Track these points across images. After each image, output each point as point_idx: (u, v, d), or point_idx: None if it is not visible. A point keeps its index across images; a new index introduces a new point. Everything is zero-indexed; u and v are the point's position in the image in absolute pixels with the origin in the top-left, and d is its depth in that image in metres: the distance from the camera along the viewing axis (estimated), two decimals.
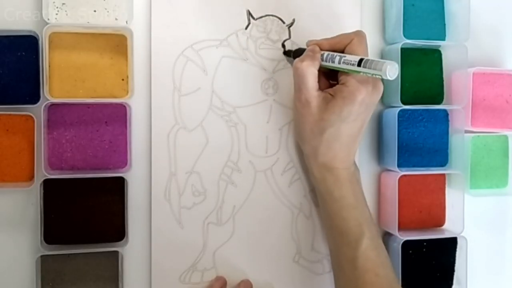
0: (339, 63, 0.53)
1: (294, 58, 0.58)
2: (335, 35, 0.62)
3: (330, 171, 0.55)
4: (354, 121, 0.54)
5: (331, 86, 0.56)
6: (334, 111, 0.53)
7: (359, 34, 0.55)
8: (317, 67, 0.54)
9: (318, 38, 0.57)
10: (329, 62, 0.54)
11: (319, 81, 0.55)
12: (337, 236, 0.56)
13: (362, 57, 0.52)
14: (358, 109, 0.53)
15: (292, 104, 0.58)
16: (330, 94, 0.54)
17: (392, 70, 0.49)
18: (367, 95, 0.53)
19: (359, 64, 0.51)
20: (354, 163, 0.58)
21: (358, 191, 0.57)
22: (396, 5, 0.62)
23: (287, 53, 0.61)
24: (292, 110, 0.60)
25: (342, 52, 0.54)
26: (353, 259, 0.54)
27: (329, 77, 0.57)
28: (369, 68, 0.50)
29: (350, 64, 0.52)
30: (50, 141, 0.57)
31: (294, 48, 0.61)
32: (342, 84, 0.54)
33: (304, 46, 0.58)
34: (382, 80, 0.52)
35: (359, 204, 0.56)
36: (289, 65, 0.62)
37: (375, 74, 0.50)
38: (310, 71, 0.54)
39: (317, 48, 0.56)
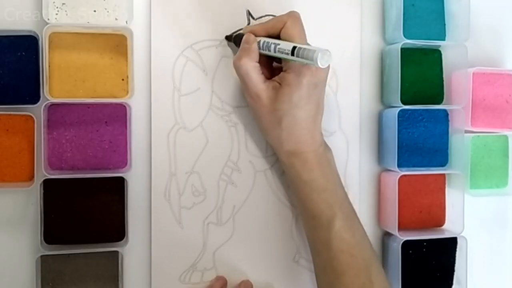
0: (274, 51, 0.52)
1: (235, 44, 0.58)
2: (334, 35, 0.62)
3: (297, 156, 0.55)
4: (307, 103, 0.53)
5: (274, 70, 0.56)
6: (284, 99, 0.53)
7: (292, 16, 0.53)
8: (256, 59, 0.54)
9: (255, 25, 0.56)
10: (265, 50, 0.53)
11: (262, 70, 0.54)
12: (309, 219, 0.56)
13: (295, 45, 0.50)
14: (307, 92, 0.52)
15: (246, 97, 0.57)
16: (278, 83, 0.54)
17: (324, 59, 0.48)
18: (311, 77, 0.52)
19: (292, 53, 0.50)
20: (324, 144, 0.57)
21: (329, 172, 0.56)
22: (396, 5, 0.62)
23: (227, 37, 0.60)
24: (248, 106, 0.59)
25: (278, 36, 0.53)
26: (327, 241, 0.53)
27: (272, 61, 0.56)
28: (301, 57, 0.49)
29: (284, 53, 0.51)
30: (50, 141, 0.57)
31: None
32: (285, 71, 0.53)
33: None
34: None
35: (330, 185, 0.55)
36: None
37: (308, 63, 0.49)
38: (250, 66, 0.53)
39: (252, 37, 0.54)
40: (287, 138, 0.54)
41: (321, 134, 0.56)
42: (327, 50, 0.48)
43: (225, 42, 0.60)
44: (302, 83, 0.52)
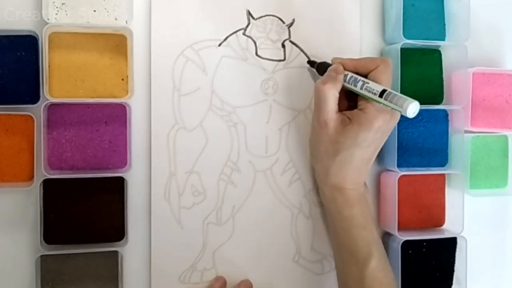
0: (361, 88, 0.54)
1: (317, 70, 0.59)
2: (334, 35, 0.62)
3: (340, 191, 0.56)
4: (368, 146, 0.55)
5: (350, 106, 0.57)
6: (350, 135, 0.54)
7: (385, 62, 0.55)
8: (338, 89, 0.55)
9: (344, 58, 0.57)
10: (351, 85, 0.55)
11: (338, 101, 0.55)
12: (345, 254, 0.56)
13: (385, 88, 0.52)
14: (374, 136, 0.54)
15: (313, 120, 0.58)
16: (348, 118, 0.55)
17: (412, 109, 0.50)
18: (383, 123, 0.53)
19: (380, 95, 0.52)
20: (364, 184, 0.58)
21: (367, 211, 0.57)
22: (396, 5, 0.62)
23: (310, 63, 0.61)
24: (310, 128, 0.60)
25: (366, 76, 0.55)
26: (361, 279, 0.54)
27: (349, 97, 0.57)
28: (390, 102, 0.51)
29: (372, 93, 0.53)
30: (50, 141, 0.57)
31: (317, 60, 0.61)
32: (361, 109, 0.54)
33: (328, 61, 0.59)
34: None
35: (368, 224, 0.56)
36: (288, 65, 0.61)
37: (395, 109, 0.51)
38: (331, 93, 0.54)
39: (341, 68, 0.56)
40: (336, 172, 0.56)
41: (366, 176, 0.58)
42: (417, 101, 0.50)
43: (225, 42, 0.60)
44: (373, 126, 0.53)
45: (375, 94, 0.52)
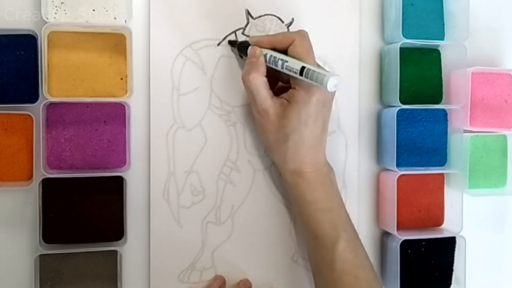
0: (282, 68, 0.52)
1: (238, 50, 0.58)
2: (334, 34, 0.62)
3: (301, 176, 0.55)
4: (314, 122, 0.53)
5: (279, 83, 0.56)
6: (292, 116, 0.53)
7: (301, 35, 0.53)
8: (264, 73, 0.53)
9: (261, 35, 0.56)
10: (272, 64, 0.53)
11: (269, 83, 0.54)
12: (313, 239, 0.55)
13: (304, 65, 0.50)
14: (315, 110, 0.53)
15: (253, 113, 0.57)
16: (286, 100, 0.54)
17: (333, 83, 0.48)
18: (320, 95, 0.52)
19: (300, 73, 0.50)
20: (327, 164, 0.57)
21: (332, 192, 0.56)
22: (395, 5, 0.62)
23: (231, 43, 0.60)
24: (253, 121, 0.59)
25: (285, 52, 0.53)
26: (331, 262, 0.53)
27: (276, 73, 0.55)
28: (310, 79, 0.49)
29: (292, 71, 0.51)
30: (49, 140, 0.57)
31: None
32: (294, 88, 0.53)
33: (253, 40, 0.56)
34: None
35: (334, 206, 0.55)
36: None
37: (316, 85, 0.49)
38: (259, 81, 0.53)
39: (258, 51, 0.54)
40: (292, 157, 0.54)
41: (325, 154, 0.56)
42: (337, 75, 0.48)
43: (224, 41, 0.60)
44: (311, 101, 0.52)
45: (295, 72, 0.51)
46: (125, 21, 0.57)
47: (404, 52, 0.62)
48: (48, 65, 0.56)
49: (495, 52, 0.68)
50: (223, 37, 0.60)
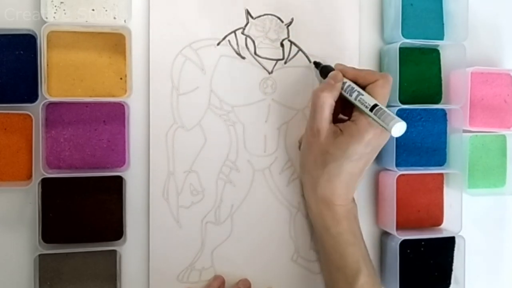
0: (355, 99, 0.54)
1: (320, 73, 0.59)
2: (333, 34, 0.62)
3: (328, 206, 0.56)
4: (358, 160, 0.54)
5: (343, 117, 0.57)
6: (340, 147, 0.53)
7: (385, 77, 0.54)
8: (335, 98, 0.55)
9: (347, 66, 0.57)
10: (347, 93, 0.55)
11: (333, 110, 0.55)
12: (333, 271, 0.56)
13: (377, 103, 0.52)
14: (364, 149, 0.54)
15: (306, 128, 0.58)
16: (340, 130, 0.54)
17: (398, 129, 0.50)
18: (374, 137, 0.53)
19: (371, 109, 0.52)
20: (353, 200, 0.58)
21: (355, 227, 0.57)
22: (394, 5, 0.62)
23: (316, 64, 0.61)
24: (302, 136, 0.59)
25: (364, 87, 0.54)
26: None
27: (344, 108, 0.57)
28: (379, 117, 0.51)
29: (364, 105, 0.53)
30: (48, 140, 0.57)
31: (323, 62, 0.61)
32: (353, 121, 0.54)
33: (331, 65, 0.59)
34: None
35: (357, 240, 0.56)
36: (287, 64, 0.61)
37: (382, 126, 0.51)
38: (328, 102, 0.54)
39: (340, 76, 0.55)
40: (324, 184, 0.55)
41: (354, 192, 0.57)
42: (404, 122, 0.50)
43: (224, 41, 0.60)
44: (364, 139, 0.53)
45: (366, 107, 0.52)
46: (125, 21, 0.57)
47: (404, 52, 0.62)
48: (47, 65, 0.56)
49: (494, 52, 0.68)
50: (222, 36, 0.60)
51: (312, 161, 0.56)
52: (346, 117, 0.57)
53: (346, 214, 0.56)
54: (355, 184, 0.57)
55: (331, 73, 0.56)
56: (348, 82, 0.55)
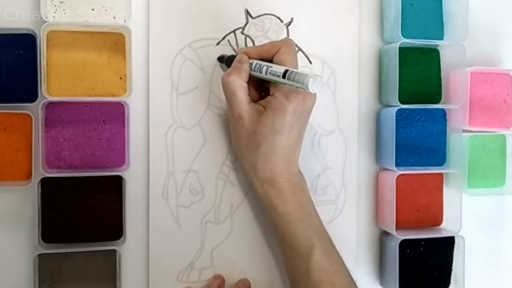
0: (266, 73, 0.52)
1: (227, 65, 0.57)
2: (333, 34, 0.62)
3: (272, 185, 0.54)
4: (288, 132, 0.53)
5: (262, 96, 0.55)
6: (266, 123, 0.52)
7: (286, 43, 0.53)
8: (245, 79, 0.53)
9: (249, 47, 0.56)
10: (257, 71, 0.53)
11: (249, 92, 0.54)
12: (287, 250, 0.55)
13: (287, 68, 0.50)
14: (291, 120, 0.52)
15: (228, 116, 0.57)
16: (263, 106, 0.53)
17: (314, 84, 0.48)
18: (297, 105, 0.52)
19: (283, 76, 0.50)
20: (299, 172, 0.56)
21: (304, 202, 0.55)
22: (394, 5, 0.62)
23: (219, 59, 0.60)
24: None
25: (271, 61, 0.53)
26: (306, 271, 0.53)
27: (261, 86, 0.56)
28: (293, 80, 0.49)
29: (276, 75, 0.51)
30: (48, 139, 0.57)
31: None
32: (272, 95, 0.53)
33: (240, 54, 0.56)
34: None
35: (306, 215, 0.55)
36: None
37: (299, 87, 0.49)
38: (238, 84, 0.53)
39: (245, 58, 0.54)
40: (263, 165, 0.54)
41: (297, 164, 0.56)
42: (318, 75, 0.48)
43: (223, 41, 0.60)
44: (288, 109, 0.51)
45: (278, 76, 0.51)
46: (124, 21, 0.57)
47: (403, 51, 0.62)
48: (47, 65, 0.56)
49: (494, 52, 0.68)
50: (222, 36, 0.60)
51: (245, 146, 0.54)
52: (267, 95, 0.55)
53: (292, 189, 0.55)
54: (294, 157, 0.55)
55: (236, 57, 0.55)
56: (255, 61, 0.54)
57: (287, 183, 0.54)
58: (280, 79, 0.50)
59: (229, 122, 0.56)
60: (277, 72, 0.51)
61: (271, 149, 0.53)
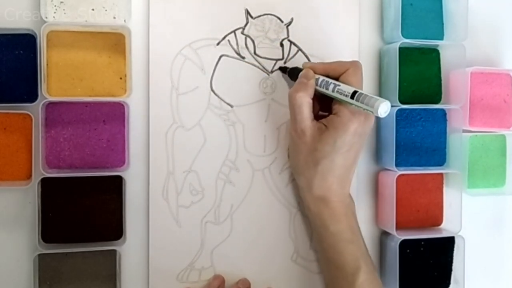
0: (332, 91, 0.53)
1: (289, 76, 0.59)
2: (333, 34, 0.62)
3: (326, 204, 0.55)
4: (347, 151, 0.54)
5: (322, 111, 0.57)
6: (327, 141, 0.53)
7: (355, 65, 0.55)
8: (311, 96, 0.54)
9: (315, 62, 0.57)
10: (323, 88, 0.55)
11: (313, 108, 0.55)
12: (333, 269, 0.56)
13: (356, 89, 0.52)
14: (351, 140, 0.53)
15: (290, 131, 0.58)
16: (324, 125, 0.54)
17: (384, 109, 0.49)
18: (359, 126, 0.53)
19: (352, 97, 0.51)
20: (350, 196, 0.58)
21: (354, 224, 0.57)
22: (394, 5, 0.62)
23: (282, 69, 0.61)
24: (288, 140, 0.60)
25: (336, 79, 0.54)
26: None
27: (322, 103, 0.57)
28: (362, 102, 0.51)
29: (344, 95, 0.52)
30: (48, 139, 0.57)
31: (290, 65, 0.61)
32: (335, 114, 0.54)
33: (299, 65, 0.59)
34: None
35: (355, 237, 0.56)
36: (287, 64, 0.61)
37: (367, 109, 0.50)
38: (305, 101, 0.54)
39: (311, 74, 0.55)
40: (319, 183, 0.55)
41: (350, 186, 0.57)
42: (387, 100, 0.49)
43: (223, 41, 0.60)
44: (350, 129, 0.53)
45: (346, 95, 0.52)
46: (124, 21, 0.57)
47: (403, 52, 0.62)
48: (47, 65, 0.56)
49: (494, 52, 0.68)
50: (222, 36, 0.60)
51: (303, 162, 0.56)
52: (326, 113, 0.56)
53: (344, 210, 0.56)
54: (349, 177, 0.56)
55: (301, 73, 0.56)
56: (321, 77, 0.55)
57: (341, 203, 0.56)
58: (348, 99, 0.52)
59: (290, 137, 0.58)
60: (345, 92, 0.52)
61: (330, 167, 0.54)
